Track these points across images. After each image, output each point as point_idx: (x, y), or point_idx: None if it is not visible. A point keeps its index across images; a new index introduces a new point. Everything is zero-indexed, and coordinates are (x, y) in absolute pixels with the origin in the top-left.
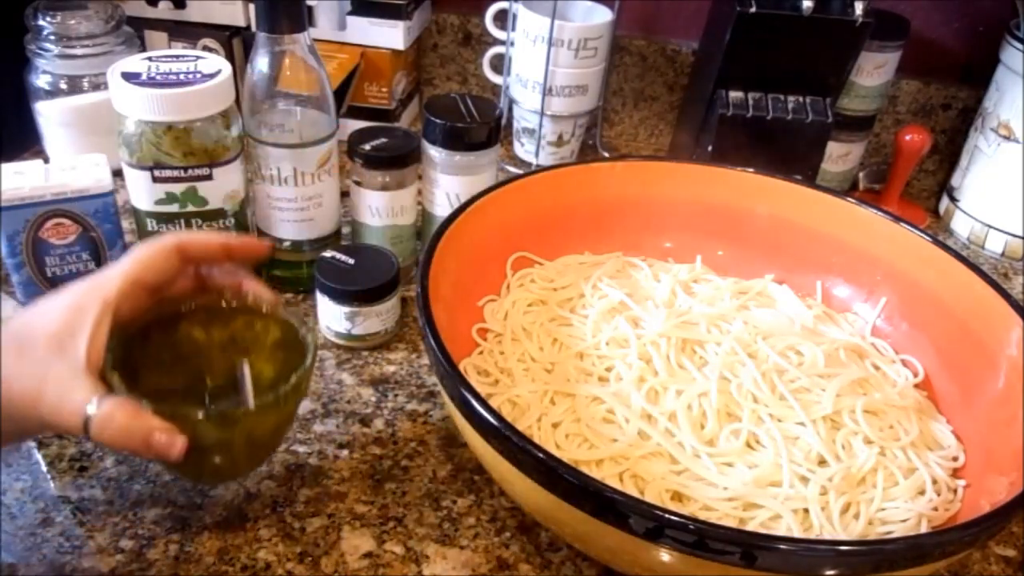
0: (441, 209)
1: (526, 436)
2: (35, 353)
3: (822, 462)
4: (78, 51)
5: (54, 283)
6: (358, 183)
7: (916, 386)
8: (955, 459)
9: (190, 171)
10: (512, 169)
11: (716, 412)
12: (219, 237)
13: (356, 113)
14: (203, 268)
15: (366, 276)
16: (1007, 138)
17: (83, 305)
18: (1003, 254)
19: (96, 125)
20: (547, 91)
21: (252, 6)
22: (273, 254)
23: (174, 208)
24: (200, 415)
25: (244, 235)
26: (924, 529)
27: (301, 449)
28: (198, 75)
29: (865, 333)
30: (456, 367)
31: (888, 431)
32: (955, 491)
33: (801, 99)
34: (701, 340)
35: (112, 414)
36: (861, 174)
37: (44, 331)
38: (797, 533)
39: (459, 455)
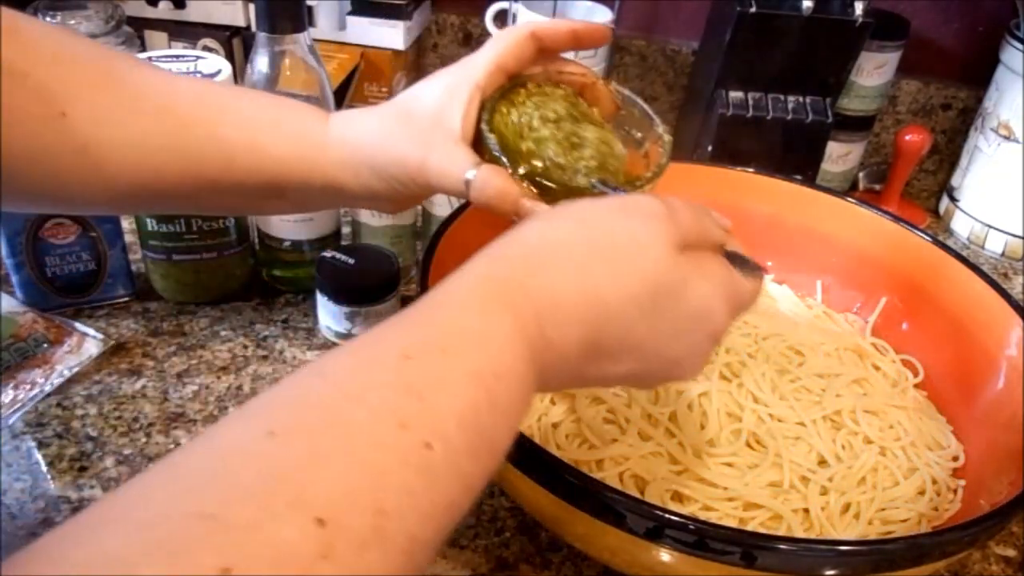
0: (441, 209)
1: (526, 436)
2: (420, 124)
3: (822, 462)
4: None
5: (54, 283)
6: None
7: (916, 386)
8: (955, 459)
9: None
10: None
11: (716, 412)
12: (569, 23)
13: None
14: (552, 60)
15: (366, 276)
16: (1007, 138)
17: (455, 87)
18: (1003, 254)
19: None
20: None
21: (252, 6)
22: (277, 255)
23: None
24: (584, 183)
25: (589, 23)
26: (924, 529)
27: None
28: (198, 75)
29: (865, 333)
30: None
31: (888, 431)
32: (955, 491)
33: (801, 99)
34: None
35: (489, 178)
36: (861, 174)
37: (424, 107)
38: (797, 533)
39: None
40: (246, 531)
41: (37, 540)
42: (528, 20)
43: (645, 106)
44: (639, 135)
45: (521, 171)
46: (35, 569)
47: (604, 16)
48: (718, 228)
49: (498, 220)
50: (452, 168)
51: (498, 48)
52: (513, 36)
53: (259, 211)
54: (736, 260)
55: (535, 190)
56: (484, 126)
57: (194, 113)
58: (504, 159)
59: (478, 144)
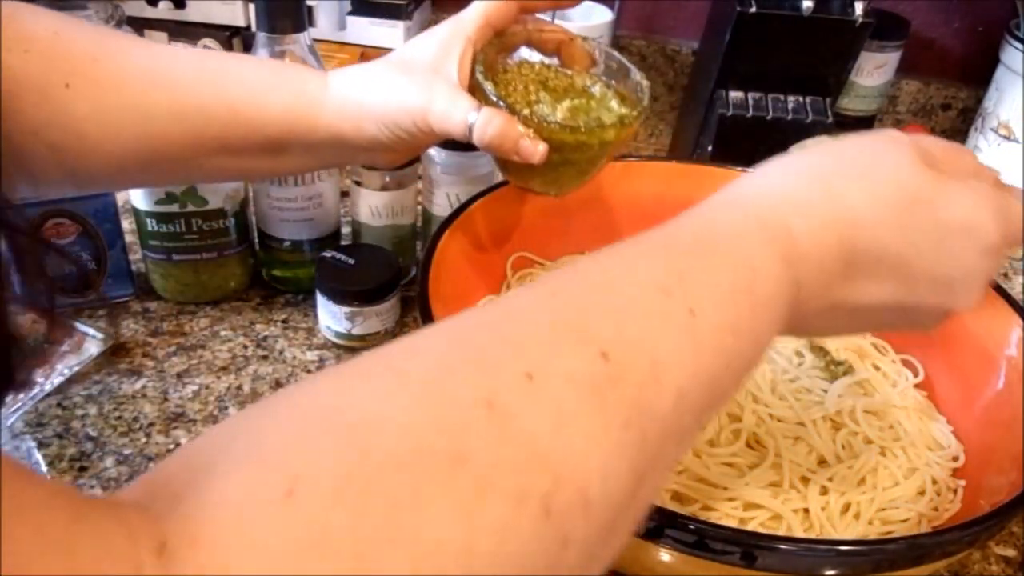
0: (441, 209)
1: None
2: (420, 73)
3: (822, 462)
4: None
5: (54, 283)
6: (358, 183)
7: (916, 386)
8: (955, 459)
9: None
10: None
11: (716, 413)
12: None
13: None
14: (531, 22)
15: (366, 276)
16: (1007, 138)
17: (449, 41)
18: None
19: None
20: None
21: (252, 6)
22: (277, 255)
23: (174, 208)
24: (587, 126)
25: None
26: (924, 529)
27: None
28: None
29: (865, 333)
30: None
31: (888, 431)
32: (955, 491)
33: (801, 99)
34: None
35: (491, 119)
36: None
37: (422, 58)
38: (797, 533)
39: None
40: (543, 353)
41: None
42: None
43: (621, 57)
44: (619, 85)
45: (520, 112)
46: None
47: (604, 16)
48: (973, 160)
49: (498, 220)
50: (455, 112)
51: (486, 6)
52: None
53: (265, 172)
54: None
55: (532, 131)
56: (479, 75)
57: (196, 76)
58: (501, 103)
59: (473, 93)
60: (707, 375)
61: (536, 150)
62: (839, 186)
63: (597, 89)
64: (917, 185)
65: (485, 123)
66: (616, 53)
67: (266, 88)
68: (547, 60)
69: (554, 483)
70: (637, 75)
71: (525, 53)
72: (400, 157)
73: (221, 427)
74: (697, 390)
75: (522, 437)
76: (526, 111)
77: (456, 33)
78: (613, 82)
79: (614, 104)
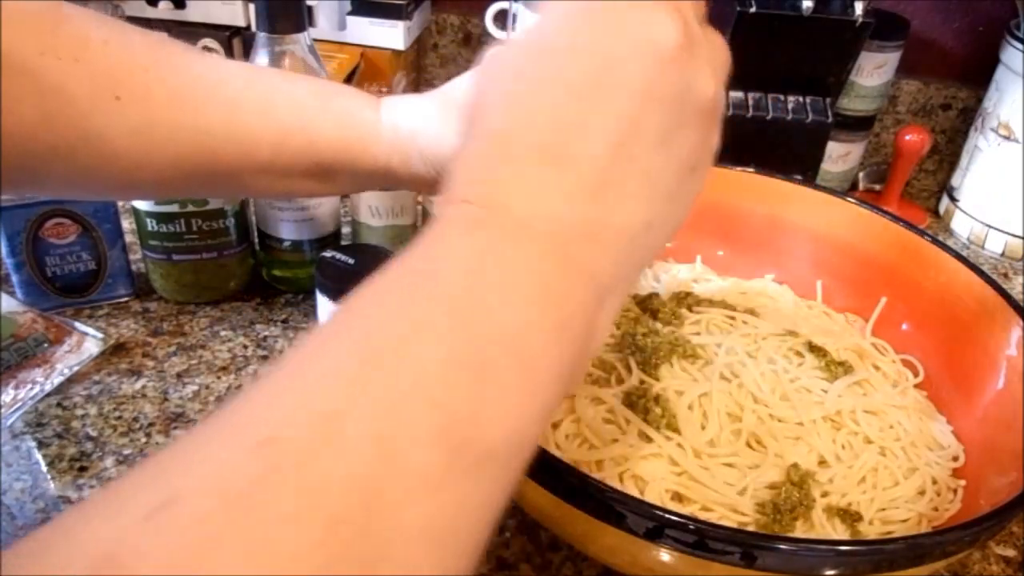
0: None
1: None
2: (464, 114)
3: (822, 462)
4: None
5: (54, 283)
6: None
7: (916, 386)
8: (955, 459)
9: None
10: None
11: (717, 413)
12: None
13: None
14: None
15: (366, 276)
16: (1007, 138)
17: None
18: (1003, 254)
19: None
20: None
21: (252, 6)
22: (277, 255)
23: (174, 208)
24: None
25: None
26: (924, 529)
27: None
28: None
29: (865, 333)
30: None
31: (888, 431)
32: (955, 491)
33: (801, 99)
34: (702, 341)
35: None
36: (861, 174)
37: (469, 99)
38: (797, 533)
39: None
40: (180, 473)
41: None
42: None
43: None
44: None
45: None
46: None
47: None
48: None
49: None
50: None
51: None
52: None
53: (307, 193)
54: None
55: None
56: None
57: (246, 95)
58: None
59: None
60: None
61: None
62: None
63: None
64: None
65: None
66: None
67: (318, 112)
68: None
69: None
70: None
71: None
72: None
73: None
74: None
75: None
76: None
77: None
78: None
79: None
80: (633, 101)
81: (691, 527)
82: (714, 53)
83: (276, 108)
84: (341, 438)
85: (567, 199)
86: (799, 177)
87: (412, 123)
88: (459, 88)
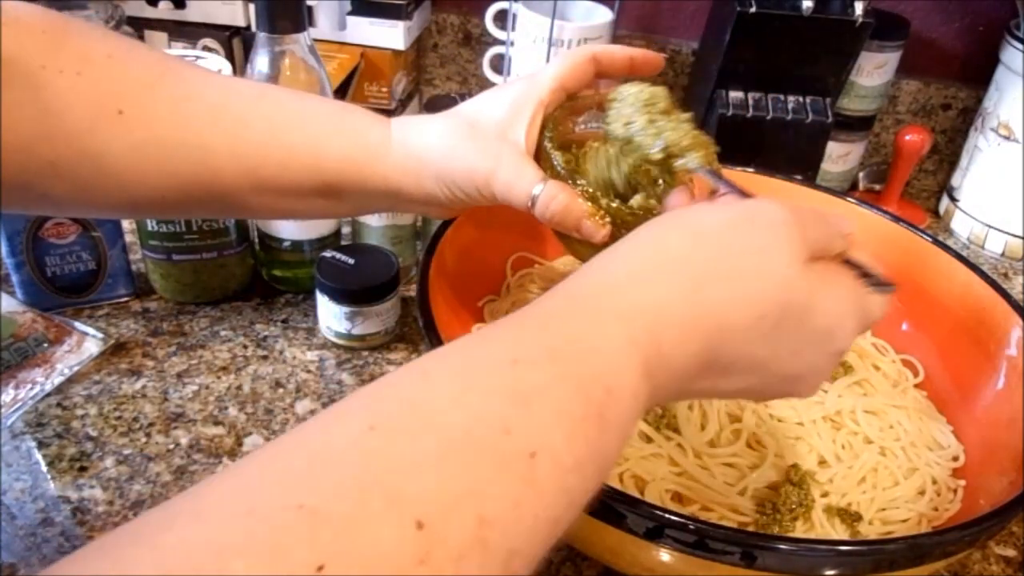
0: None
1: None
2: (486, 137)
3: (822, 462)
4: None
5: (54, 283)
6: None
7: (916, 386)
8: (955, 459)
9: None
10: None
11: (717, 413)
12: (627, 50)
13: None
14: (603, 86)
15: (366, 276)
16: (1007, 138)
17: (521, 103)
18: (1003, 254)
19: None
20: None
21: (252, 6)
22: (277, 255)
23: None
24: (656, 211)
25: (646, 51)
26: (924, 529)
27: None
28: None
29: (865, 333)
30: None
31: (888, 431)
32: (955, 491)
33: (801, 99)
34: None
35: (555, 194)
36: (861, 174)
37: (490, 119)
38: (797, 533)
39: None
40: (343, 527)
41: (124, 524)
42: (591, 45)
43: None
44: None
45: (585, 188)
46: (122, 549)
47: (604, 16)
48: (840, 236)
49: (498, 221)
50: (520, 182)
51: (562, 68)
52: (576, 58)
53: (312, 214)
54: (861, 271)
55: (598, 209)
56: (548, 143)
57: (253, 113)
58: (569, 176)
59: (538, 159)
60: (546, 521)
61: (598, 231)
62: (710, 291)
63: (661, 153)
64: (788, 296)
65: (549, 198)
66: (689, 116)
67: (327, 132)
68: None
69: None
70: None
71: (595, 116)
72: (454, 213)
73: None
74: (533, 541)
75: None
76: (591, 188)
77: (529, 95)
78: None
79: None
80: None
81: (691, 527)
82: (871, 310)
83: (282, 126)
84: (490, 550)
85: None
86: (799, 177)
87: (426, 146)
88: (480, 110)
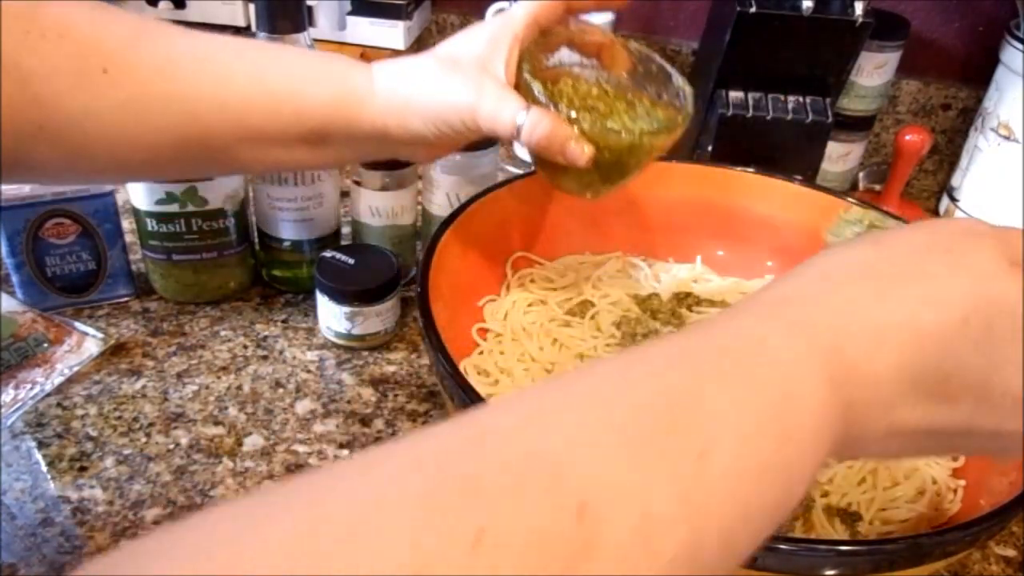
0: (441, 209)
1: None
2: (467, 71)
3: None
4: None
5: (54, 283)
6: (358, 183)
7: None
8: (955, 459)
9: None
10: (512, 169)
11: None
12: None
13: None
14: (574, 23)
15: (366, 276)
16: (1007, 138)
17: (497, 38)
18: None
19: None
20: None
21: (252, 6)
22: (277, 255)
23: (174, 208)
24: (636, 131)
25: None
26: (924, 529)
27: (301, 449)
28: None
29: None
30: (456, 367)
31: None
32: (955, 491)
33: (801, 99)
34: None
35: (539, 120)
36: (861, 174)
37: (470, 55)
38: (797, 533)
39: None
40: (505, 504)
41: (281, 484)
42: None
43: (662, 62)
44: (659, 90)
45: (568, 114)
46: (291, 505)
47: (604, 16)
48: None
49: (498, 221)
50: (504, 111)
51: (535, 5)
52: None
53: (301, 164)
54: None
55: (580, 133)
56: (527, 74)
57: (236, 63)
58: (550, 104)
59: (516, 91)
60: (716, 529)
61: (582, 153)
62: (899, 293)
63: (636, 91)
64: (993, 293)
65: (534, 124)
66: (657, 57)
67: (310, 78)
68: (586, 61)
69: None
70: (679, 80)
71: (565, 54)
72: (440, 152)
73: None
74: (702, 549)
75: None
76: (573, 113)
77: (504, 31)
78: (652, 87)
79: (655, 109)
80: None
81: None
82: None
83: (266, 75)
84: (656, 545)
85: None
86: (799, 177)
87: (409, 83)
88: (461, 48)
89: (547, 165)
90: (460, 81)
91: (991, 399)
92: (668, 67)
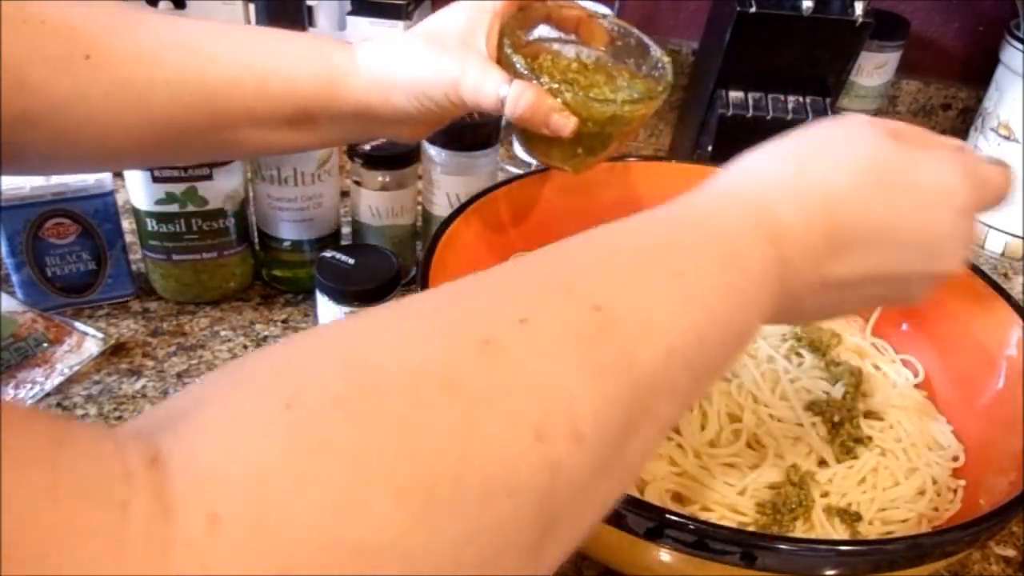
0: (441, 209)
1: None
2: (450, 46)
3: (822, 462)
4: None
5: (54, 283)
6: (358, 183)
7: (916, 386)
8: (955, 459)
9: (190, 171)
10: (512, 169)
11: (717, 413)
12: None
13: None
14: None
15: (366, 276)
16: (1007, 138)
17: (477, 14)
18: (1003, 254)
19: None
20: None
21: (252, 6)
22: (277, 255)
23: (174, 208)
24: (618, 100)
25: None
26: (924, 529)
27: None
28: None
29: (865, 333)
30: None
31: (888, 431)
32: (955, 491)
33: (801, 99)
34: None
35: (523, 92)
36: None
37: (451, 31)
38: (797, 533)
39: None
40: (538, 303)
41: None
42: None
43: (640, 35)
44: (638, 62)
45: (549, 86)
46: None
47: (605, 8)
48: (936, 136)
49: (498, 220)
50: (487, 84)
51: None
52: None
53: (288, 146)
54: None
55: (563, 104)
56: (508, 48)
57: (220, 46)
58: (532, 77)
59: (500, 66)
60: (695, 333)
61: (567, 123)
62: (816, 165)
63: (615, 65)
64: (886, 155)
65: (517, 96)
66: (635, 30)
67: (294, 58)
68: (565, 36)
69: (544, 413)
70: (657, 52)
71: (543, 30)
72: (424, 130)
73: (225, 366)
74: (686, 348)
75: (514, 369)
76: (556, 84)
77: (484, 6)
78: (631, 59)
79: (634, 81)
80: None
81: (691, 527)
82: (986, 176)
83: (249, 56)
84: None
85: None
86: None
87: (393, 61)
88: (442, 24)
89: (531, 138)
90: (443, 55)
91: (897, 244)
92: (646, 39)
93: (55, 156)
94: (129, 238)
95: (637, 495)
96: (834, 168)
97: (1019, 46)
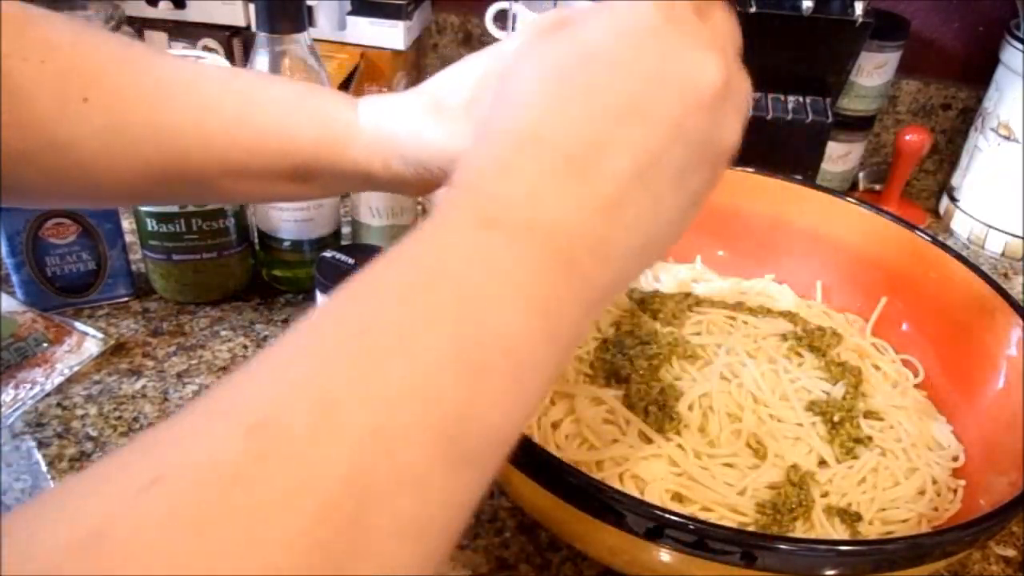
0: None
1: (526, 436)
2: (452, 116)
3: (822, 462)
4: None
5: (54, 283)
6: None
7: (916, 386)
8: (955, 459)
9: None
10: None
11: (716, 413)
12: None
13: None
14: None
15: None
16: (1007, 138)
17: (485, 79)
18: (1003, 254)
19: None
20: None
21: (252, 6)
22: (277, 255)
23: (174, 208)
24: None
25: None
26: (924, 529)
27: None
28: None
29: (865, 333)
30: None
31: (888, 431)
32: (955, 491)
33: (801, 99)
34: (702, 341)
35: None
36: (861, 174)
37: (456, 99)
38: (797, 533)
39: None
40: (181, 447)
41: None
42: (552, 12)
43: None
44: None
45: None
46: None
47: None
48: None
49: None
50: None
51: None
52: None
53: (284, 197)
54: None
55: None
56: None
57: (221, 97)
58: None
59: None
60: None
61: None
62: (502, 113)
63: None
64: (554, 56)
65: None
66: None
67: (295, 117)
68: None
69: None
70: None
71: None
72: (423, 192)
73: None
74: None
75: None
76: None
77: (494, 72)
78: None
79: None
80: (664, 135)
81: (691, 527)
82: (742, 99)
83: (251, 109)
84: (336, 427)
85: (581, 211)
86: (799, 177)
87: (393, 123)
88: (446, 88)
89: None
90: (444, 129)
91: (619, 121)
92: None
93: (48, 192)
94: (129, 238)
95: (637, 495)
96: (512, 110)
97: (1019, 46)
